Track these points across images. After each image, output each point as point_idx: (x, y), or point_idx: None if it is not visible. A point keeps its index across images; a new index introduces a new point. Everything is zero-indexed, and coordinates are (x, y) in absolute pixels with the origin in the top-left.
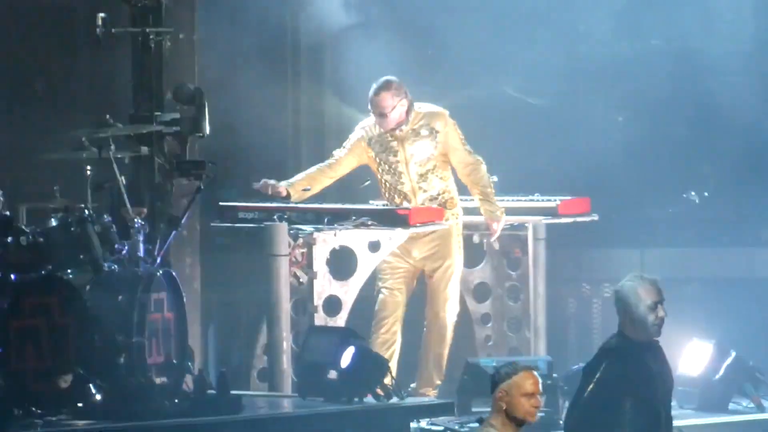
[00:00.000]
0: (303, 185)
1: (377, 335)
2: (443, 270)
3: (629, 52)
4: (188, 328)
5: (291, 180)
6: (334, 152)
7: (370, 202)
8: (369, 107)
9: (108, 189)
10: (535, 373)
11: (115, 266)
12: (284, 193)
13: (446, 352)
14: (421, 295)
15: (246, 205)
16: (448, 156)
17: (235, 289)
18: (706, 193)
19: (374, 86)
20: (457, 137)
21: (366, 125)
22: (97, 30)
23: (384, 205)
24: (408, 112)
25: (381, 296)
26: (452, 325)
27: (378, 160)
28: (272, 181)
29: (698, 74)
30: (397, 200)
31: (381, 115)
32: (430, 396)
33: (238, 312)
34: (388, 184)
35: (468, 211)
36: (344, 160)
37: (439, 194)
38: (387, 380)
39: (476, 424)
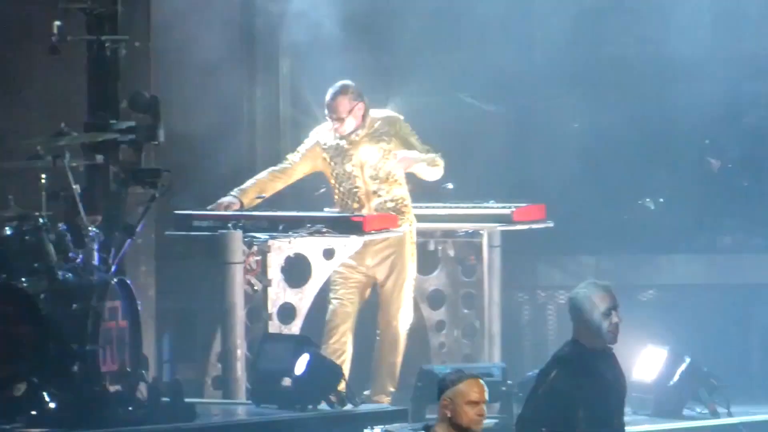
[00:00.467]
0: (255, 191)
1: (327, 345)
2: (395, 278)
3: (585, 59)
4: (143, 337)
5: (243, 186)
6: (287, 156)
7: (325, 209)
8: (326, 112)
9: (63, 197)
10: (481, 381)
11: (70, 275)
12: (238, 206)
13: (399, 360)
14: (375, 302)
15: (200, 213)
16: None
17: (189, 297)
18: (661, 200)
19: (331, 91)
20: (413, 138)
21: (320, 130)
22: (53, 38)
23: (338, 212)
24: (364, 116)
25: (332, 306)
26: (405, 334)
27: (332, 164)
28: (225, 200)
29: (654, 80)
30: (351, 205)
31: (338, 119)
32: (384, 403)
33: (192, 320)
34: (342, 190)
35: (422, 218)
36: (298, 165)
37: (393, 200)
38: (341, 387)
39: None
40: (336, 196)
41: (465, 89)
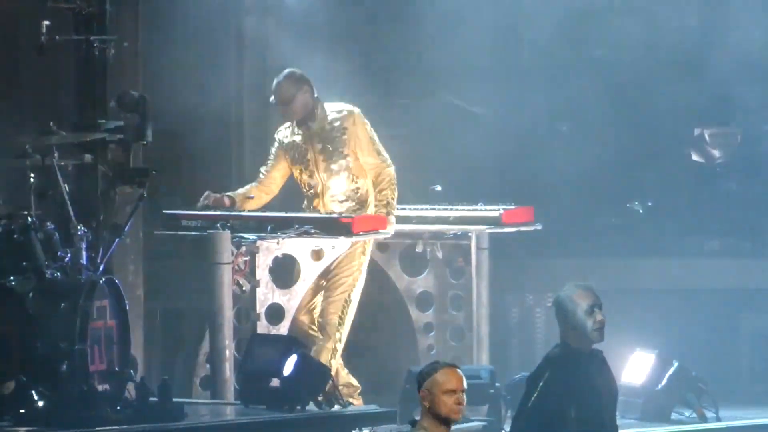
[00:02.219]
0: (244, 197)
1: None
2: (336, 279)
3: (573, 60)
4: (131, 336)
5: (233, 193)
6: (260, 169)
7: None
8: (272, 99)
9: (51, 197)
10: (459, 370)
11: (58, 274)
12: (228, 203)
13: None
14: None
15: (189, 213)
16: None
17: (178, 297)
18: (650, 203)
19: (277, 77)
20: (366, 136)
21: (280, 130)
22: (41, 37)
23: (312, 209)
24: (315, 106)
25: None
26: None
27: (291, 161)
28: (217, 195)
29: (642, 83)
30: (312, 201)
31: (284, 103)
32: (356, 404)
33: (180, 320)
34: (306, 185)
35: (411, 220)
36: (271, 173)
37: (348, 197)
38: (329, 388)
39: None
40: (303, 189)
41: (453, 92)
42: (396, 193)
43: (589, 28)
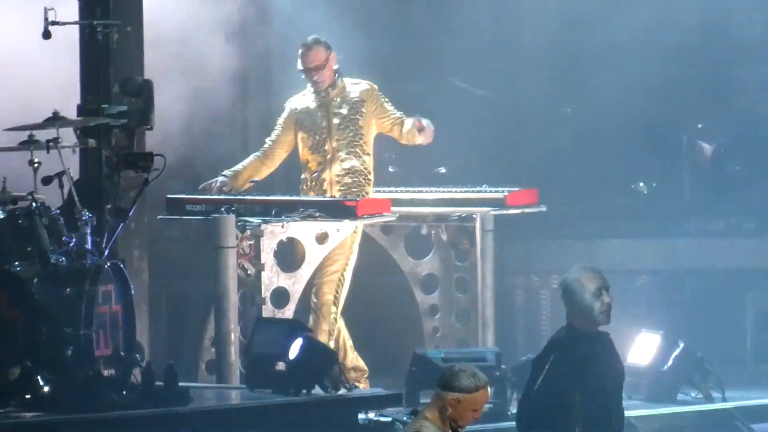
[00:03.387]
0: (247, 175)
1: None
2: (329, 258)
3: (576, 44)
4: (136, 321)
5: (234, 168)
6: (266, 140)
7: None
8: (300, 64)
9: (56, 181)
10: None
11: (63, 259)
12: (230, 187)
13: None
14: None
15: (193, 197)
16: (372, 129)
17: (183, 281)
18: (654, 184)
19: (306, 42)
20: (384, 103)
21: (293, 99)
22: (45, 22)
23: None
24: (337, 72)
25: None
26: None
27: (303, 128)
28: (217, 180)
29: (644, 65)
30: (316, 168)
31: (317, 68)
32: (362, 387)
33: (186, 304)
34: (310, 152)
35: (415, 203)
36: (276, 146)
37: (354, 169)
38: (335, 371)
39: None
40: (302, 159)
41: (456, 74)
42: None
43: (591, 12)
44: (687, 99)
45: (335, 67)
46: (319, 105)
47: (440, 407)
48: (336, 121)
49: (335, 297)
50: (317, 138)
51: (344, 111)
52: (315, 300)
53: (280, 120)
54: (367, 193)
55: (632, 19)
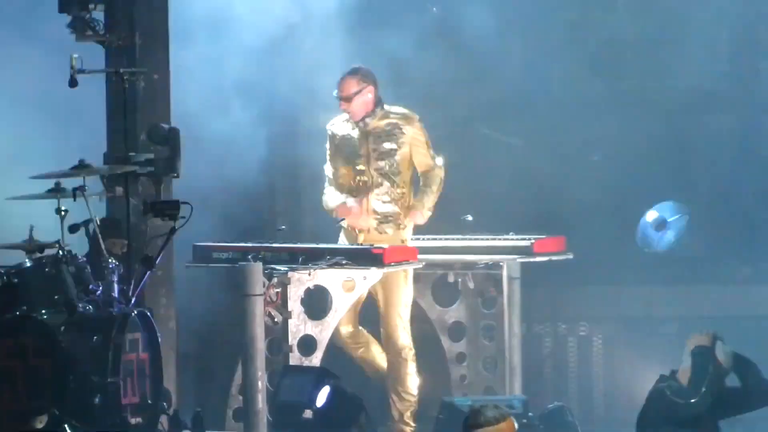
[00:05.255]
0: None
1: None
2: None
3: (604, 90)
4: (163, 368)
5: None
6: (325, 169)
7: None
8: (335, 93)
9: (83, 230)
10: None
11: (90, 307)
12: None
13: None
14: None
15: (220, 245)
16: (410, 160)
17: (210, 329)
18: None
19: (344, 71)
20: (423, 139)
21: (334, 122)
22: (71, 71)
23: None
24: (375, 103)
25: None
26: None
27: (343, 155)
28: (349, 203)
29: (672, 112)
30: (361, 193)
31: (346, 99)
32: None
33: (213, 352)
34: (354, 180)
35: (442, 250)
36: (339, 170)
37: (392, 199)
38: (362, 419)
39: None
40: (343, 185)
41: (483, 121)
42: (439, 193)
43: (620, 57)
44: (714, 145)
45: (374, 97)
46: (358, 134)
47: None
48: (375, 151)
49: (408, 334)
50: (355, 167)
51: (383, 140)
52: (392, 348)
53: (327, 146)
54: (403, 225)
55: (660, 65)
